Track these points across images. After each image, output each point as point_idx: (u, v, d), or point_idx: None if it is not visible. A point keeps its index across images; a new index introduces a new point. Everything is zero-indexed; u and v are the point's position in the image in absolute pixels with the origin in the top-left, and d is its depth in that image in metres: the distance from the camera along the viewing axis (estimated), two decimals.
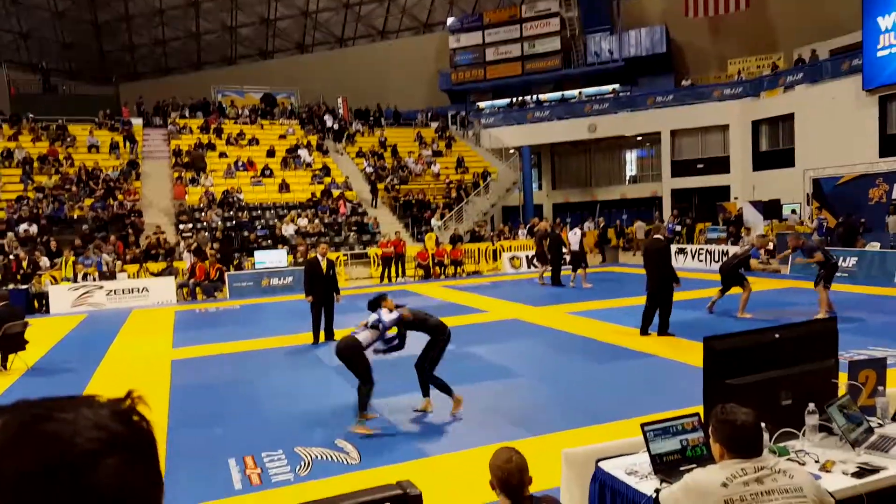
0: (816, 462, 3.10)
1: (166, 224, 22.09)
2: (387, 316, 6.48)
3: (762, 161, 27.35)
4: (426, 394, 6.73)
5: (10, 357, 9.81)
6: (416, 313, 6.69)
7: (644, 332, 9.94)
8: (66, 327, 13.86)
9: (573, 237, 17.12)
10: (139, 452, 0.63)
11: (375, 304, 6.63)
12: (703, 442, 3.18)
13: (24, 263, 17.68)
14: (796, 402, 3.42)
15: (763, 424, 2.86)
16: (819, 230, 19.43)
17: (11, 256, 17.96)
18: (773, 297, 13.39)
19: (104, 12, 40.96)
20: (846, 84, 23.20)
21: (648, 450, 3.09)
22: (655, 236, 10.46)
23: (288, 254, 19.67)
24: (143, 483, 0.62)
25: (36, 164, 23.61)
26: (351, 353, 6.32)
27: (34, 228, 19.97)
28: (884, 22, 21.71)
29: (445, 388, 6.58)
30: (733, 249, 18.85)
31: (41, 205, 21.27)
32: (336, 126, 30.80)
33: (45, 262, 18.00)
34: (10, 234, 19.25)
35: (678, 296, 10.36)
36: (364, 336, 6.38)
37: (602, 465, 3.19)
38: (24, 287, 16.64)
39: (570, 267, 17.10)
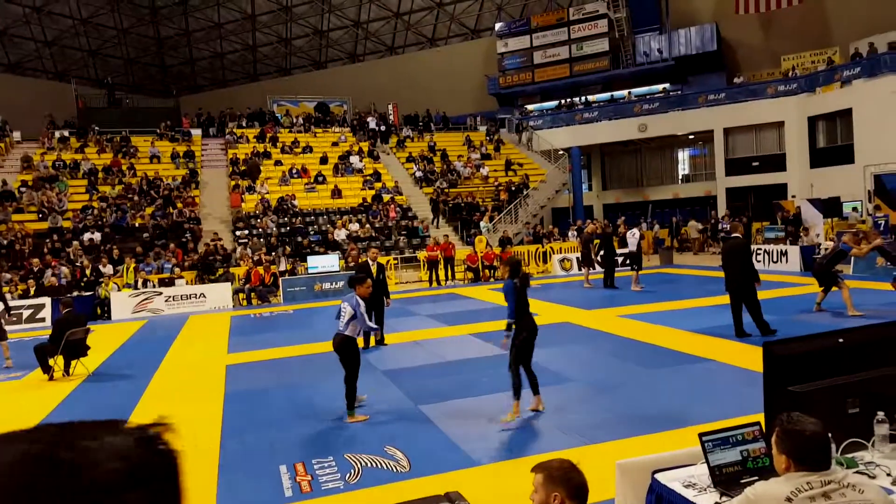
0: (888, 475, 2.93)
1: (223, 231, 22.67)
2: (361, 305, 6.96)
3: (820, 158, 26.39)
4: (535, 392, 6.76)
5: (73, 363, 10.10)
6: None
7: (740, 333, 9.59)
8: (126, 333, 14.31)
9: (631, 238, 16.82)
10: (163, 485, 0.58)
11: (353, 282, 7.23)
12: (765, 453, 3.05)
13: (88, 271, 18.39)
14: (864, 411, 3.25)
15: (829, 435, 2.73)
16: (875, 227, 18.60)
17: (77, 264, 18.72)
18: (834, 299, 12.85)
19: (166, 28, 42.63)
20: None
21: (707, 461, 2.98)
22: (734, 234, 10.30)
23: (340, 258, 19.93)
24: None
25: (101, 175, 24.57)
26: (347, 349, 6.85)
27: (98, 236, 20.76)
28: None
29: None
30: (792, 249, 18.30)
31: (105, 214, 22.10)
32: (380, 128, 31.21)
33: (108, 269, 18.69)
34: (75, 242, 20.05)
35: None
36: (351, 330, 6.90)
37: (658, 476, 3.09)
38: (88, 294, 17.28)
39: (629, 268, 16.87)
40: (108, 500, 0.53)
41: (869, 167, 22.33)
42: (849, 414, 3.26)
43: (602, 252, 17.07)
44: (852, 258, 13.18)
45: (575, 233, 24.21)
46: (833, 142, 26.24)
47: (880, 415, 3.22)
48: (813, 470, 2.39)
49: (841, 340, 3.38)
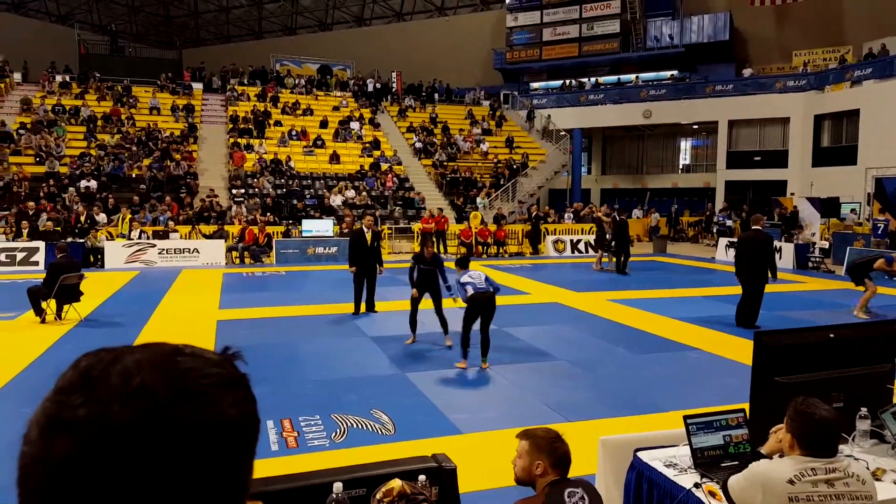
0: (866, 469, 2.99)
1: (220, 188, 22.55)
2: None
3: (822, 157, 26.36)
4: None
5: (66, 307, 10.15)
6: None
7: (751, 325, 9.67)
8: (119, 282, 14.30)
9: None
10: (249, 392, 0.69)
11: (466, 262, 8.16)
12: (747, 439, 3.11)
13: (83, 218, 18.32)
14: (847, 406, 3.31)
15: (838, 424, 2.76)
16: (875, 231, 18.70)
17: (73, 211, 18.64)
18: (825, 298, 12.99)
19: None
20: None
21: (690, 443, 3.03)
22: (754, 227, 10.21)
23: (334, 224, 19.90)
24: (255, 418, 0.68)
25: (100, 123, 24.42)
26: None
27: (94, 184, 20.65)
28: None
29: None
30: (787, 246, 18.35)
31: (102, 162, 21.97)
32: (376, 86, 31.15)
33: (102, 217, 18.63)
34: (71, 189, 19.94)
35: (737, 291, 10.17)
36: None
37: (640, 454, 3.14)
38: (81, 241, 17.23)
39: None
40: (212, 396, 0.64)
41: (871, 170, 22.35)
42: (832, 408, 3.32)
43: (616, 239, 16.98)
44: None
45: (571, 215, 24.25)
46: (837, 142, 26.19)
47: (863, 411, 3.27)
48: (815, 455, 2.41)
49: (832, 336, 3.42)
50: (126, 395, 0.61)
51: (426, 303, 8.73)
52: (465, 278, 7.70)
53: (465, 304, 7.68)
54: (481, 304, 7.52)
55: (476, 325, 7.56)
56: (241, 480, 0.66)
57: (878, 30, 26.80)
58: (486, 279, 7.67)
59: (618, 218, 17.57)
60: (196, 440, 0.62)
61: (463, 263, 8.08)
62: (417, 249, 20.45)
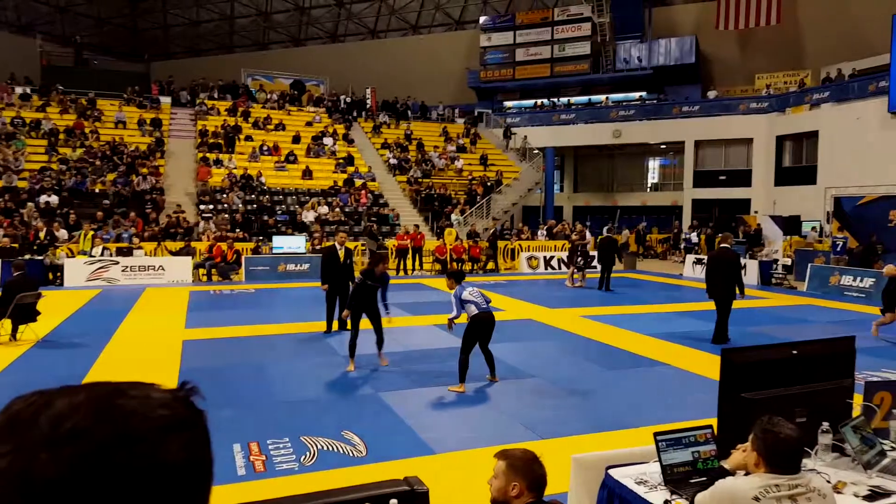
0: (828, 482, 3.05)
1: (187, 204, 22.22)
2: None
3: (784, 177, 27.17)
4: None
5: (21, 327, 9.77)
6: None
7: (723, 340, 9.85)
8: (79, 301, 13.93)
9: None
10: (198, 434, 0.67)
11: (461, 275, 7.65)
12: (715, 455, 3.15)
13: (42, 234, 17.78)
14: (810, 420, 3.38)
15: (802, 442, 2.82)
16: (834, 248, 19.25)
17: (32, 226, 18.13)
18: (788, 314, 13.26)
19: None
20: (872, 105, 23.04)
21: (660, 460, 3.06)
22: (722, 245, 10.40)
23: (306, 241, 19.74)
24: (205, 461, 0.67)
25: (62, 137, 23.80)
26: None
27: (55, 200, 20.13)
28: None
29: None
30: (751, 263, 18.72)
31: (64, 177, 21.43)
32: (347, 101, 31.39)
33: (63, 234, 18.13)
34: (30, 204, 19.39)
35: (708, 306, 10.33)
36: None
37: (612, 472, 3.16)
38: (40, 258, 16.69)
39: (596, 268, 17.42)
40: (155, 440, 0.62)
41: (830, 189, 23.05)
42: (796, 423, 3.38)
43: (600, 257, 17.22)
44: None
45: (545, 232, 24.45)
46: (798, 162, 26.98)
47: (825, 425, 3.35)
48: (780, 472, 2.48)
49: (794, 352, 3.50)
50: (55, 442, 0.58)
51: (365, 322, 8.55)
52: (466, 295, 7.28)
53: (448, 324, 7.52)
54: (485, 325, 7.26)
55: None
56: None
57: (835, 55, 27.82)
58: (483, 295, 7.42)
59: (588, 235, 17.86)
60: (134, 488, 0.58)
61: (458, 277, 7.55)
62: (392, 265, 20.52)
